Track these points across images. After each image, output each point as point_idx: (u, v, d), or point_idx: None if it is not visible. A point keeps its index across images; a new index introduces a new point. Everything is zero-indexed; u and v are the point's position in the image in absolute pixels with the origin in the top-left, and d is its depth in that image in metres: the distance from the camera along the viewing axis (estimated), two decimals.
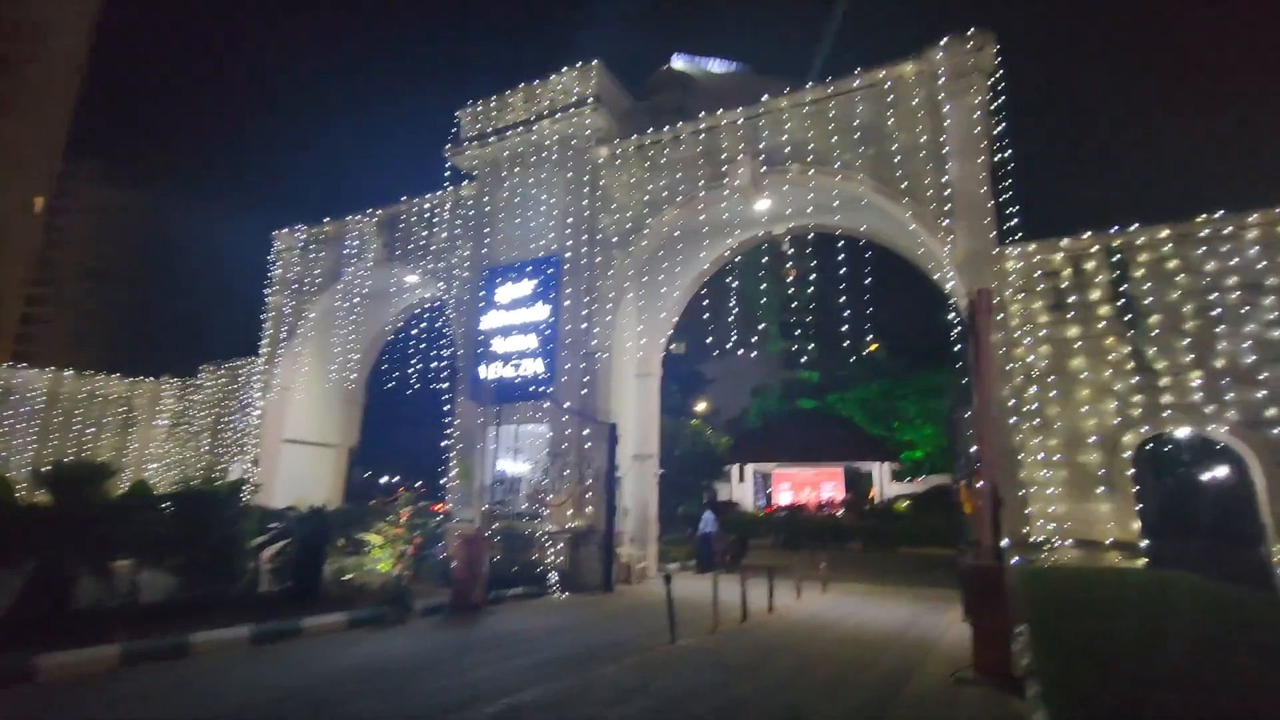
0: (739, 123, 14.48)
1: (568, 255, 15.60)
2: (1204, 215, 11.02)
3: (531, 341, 15.54)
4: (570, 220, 15.78)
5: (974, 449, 9.71)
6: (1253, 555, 10.22)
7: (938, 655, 8.28)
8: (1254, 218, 10.72)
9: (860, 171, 12.94)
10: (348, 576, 11.46)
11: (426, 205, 18.75)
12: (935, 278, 13.16)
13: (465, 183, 18.10)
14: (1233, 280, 10.71)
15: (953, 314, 12.42)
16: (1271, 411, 10.12)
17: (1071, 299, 11.68)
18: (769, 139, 14.11)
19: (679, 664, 7.52)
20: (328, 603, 10.10)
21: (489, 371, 15.96)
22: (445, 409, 17.09)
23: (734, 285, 18.00)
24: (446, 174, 18.26)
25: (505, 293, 16.24)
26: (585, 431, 14.42)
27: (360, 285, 19.93)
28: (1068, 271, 11.83)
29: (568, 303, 15.32)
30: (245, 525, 9.92)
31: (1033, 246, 11.96)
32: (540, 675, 6.94)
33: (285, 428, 20.09)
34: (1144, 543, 10.48)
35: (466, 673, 6.98)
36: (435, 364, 19.25)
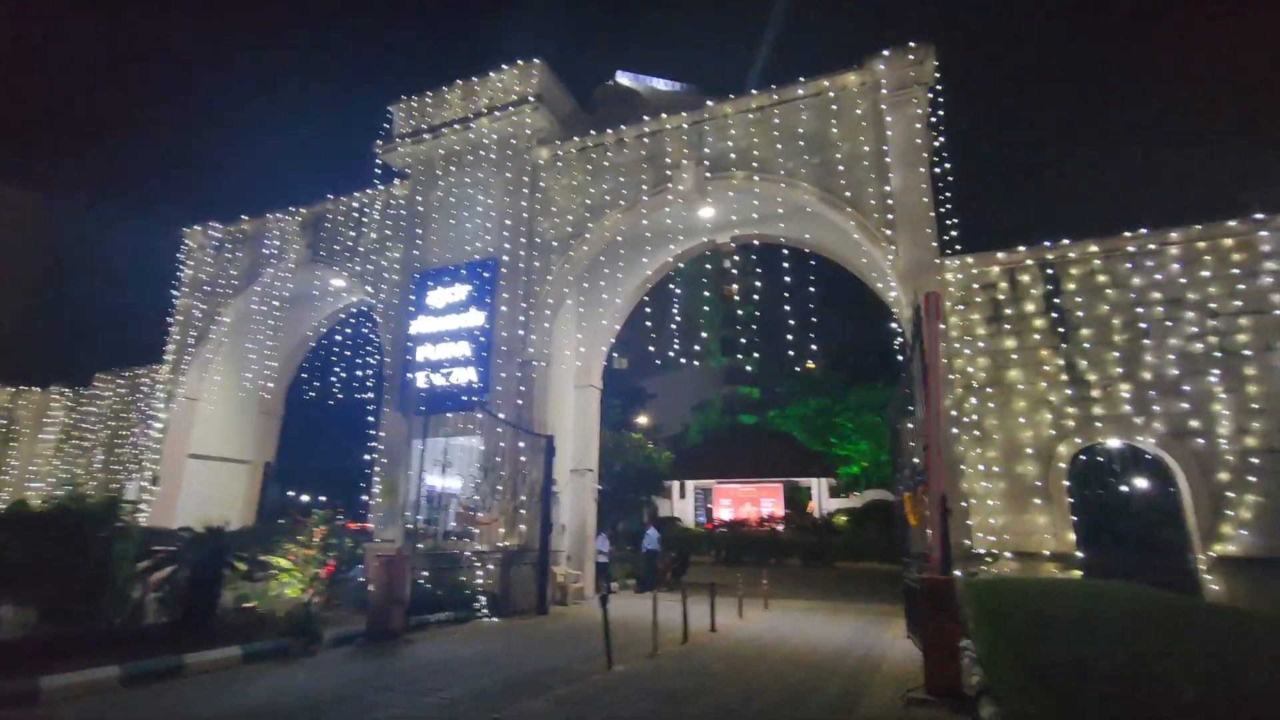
0: (683, 127, 14.21)
1: (505, 259, 14.90)
2: (1129, 232, 11.33)
3: (464, 349, 14.72)
4: (508, 223, 15.11)
5: (917, 459, 9.53)
6: (1178, 563, 10.40)
7: (885, 674, 7.94)
8: (1175, 235, 11.07)
9: (804, 180, 12.82)
10: (250, 604, 10.31)
11: (355, 204, 17.70)
12: (878, 287, 13.14)
13: (397, 181, 17.19)
14: (1157, 295, 11.00)
15: (894, 324, 12.38)
16: (1194, 423, 10.37)
17: (1008, 311, 11.80)
18: (713, 145, 13.89)
19: (613, 694, 6.89)
20: (222, 635, 8.98)
21: (418, 380, 15.01)
22: (371, 421, 16.01)
23: (677, 295, 17.68)
24: (377, 172, 17.35)
25: (438, 297, 15.37)
26: (520, 444, 13.67)
27: (280, 288, 18.60)
28: (1004, 284, 11.97)
29: (504, 308, 14.60)
30: (123, 548, 8.72)
31: (970, 259, 12.06)
32: (456, 713, 6.19)
33: (191, 442, 18.43)
34: (1078, 554, 10.54)
35: (370, 713, 6.15)
36: (361, 373, 18.10)
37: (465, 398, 14.29)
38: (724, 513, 40.95)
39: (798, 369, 56.03)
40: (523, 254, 14.85)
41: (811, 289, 15.92)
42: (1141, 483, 11.17)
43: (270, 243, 18.59)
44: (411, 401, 14.80)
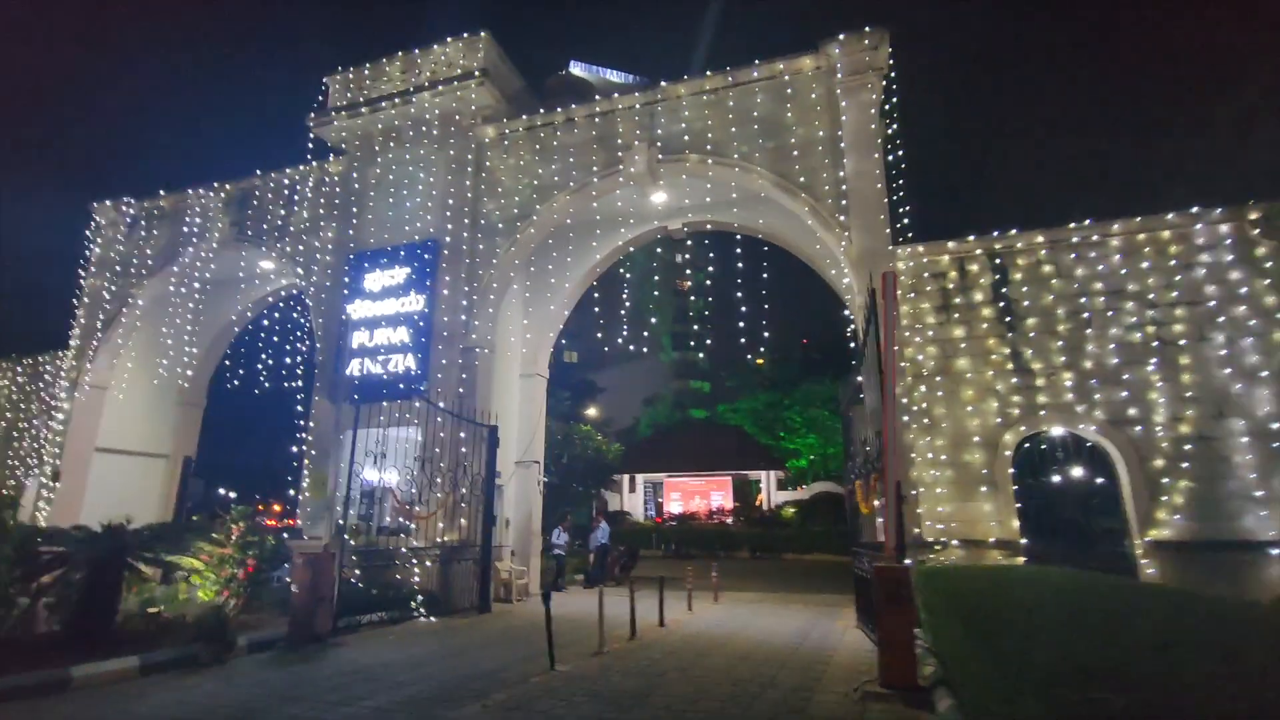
0: (635, 108, 13.76)
1: (447, 240, 14.16)
2: (1074, 223, 11.48)
3: (403, 334, 13.92)
4: (451, 203, 14.36)
5: (869, 446, 9.38)
6: (1115, 549, 10.61)
7: (838, 667, 7.73)
8: (1116, 226, 11.27)
9: (758, 164, 12.56)
10: (156, 609, 9.40)
11: (285, 181, 16.58)
12: (831, 274, 13.00)
13: (332, 157, 16.17)
14: (1099, 286, 11.18)
15: (846, 312, 12.26)
16: (1132, 410, 10.57)
17: (957, 300, 11.81)
18: (666, 127, 13.49)
19: (554, 697, 6.42)
20: (121, 643, 8.11)
21: (353, 368, 14.14)
22: (301, 411, 15.03)
23: (627, 283, 17.26)
24: (310, 147, 16.27)
25: (375, 280, 14.50)
26: (461, 434, 13.00)
27: (202, 269, 17.30)
28: (954, 274, 11.99)
29: (445, 292, 13.87)
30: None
31: (921, 248, 12.03)
32: None
33: (99, 434, 16.97)
34: (1023, 541, 10.62)
35: None
36: (291, 360, 17.02)
37: (403, 386, 13.51)
38: (674, 506, 40.86)
39: (749, 357, 56.76)
40: (466, 236, 14.15)
41: (763, 279, 15.77)
42: (1082, 471, 11.32)
43: (191, 220, 17.26)
44: (345, 390, 13.93)
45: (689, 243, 16.71)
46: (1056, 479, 11.24)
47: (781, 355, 55.66)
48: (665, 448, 43.43)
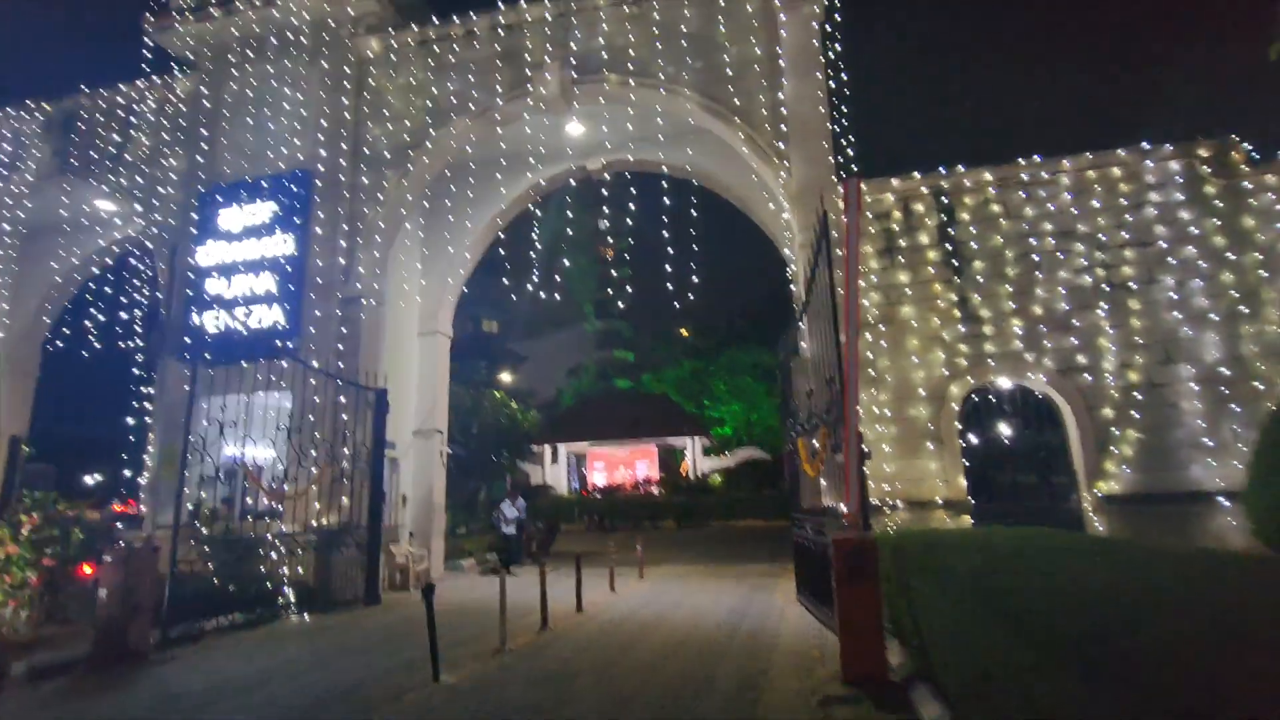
0: (546, 19, 11.88)
1: (321, 170, 11.92)
2: (1023, 159, 10.64)
3: (268, 282, 11.67)
4: (325, 125, 12.09)
5: (817, 399, 8.19)
6: (1062, 504, 10.03)
7: (785, 654, 6.54)
8: (1066, 163, 10.51)
9: (687, 86, 11.04)
10: None
11: (120, 100, 13.68)
12: (769, 209, 11.70)
13: (178, 71, 13.41)
14: (1049, 226, 10.42)
15: (787, 250, 11.04)
16: (1081, 358, 9.92)
17: (902, 243, 10.83)
18: (582, 43, 11.71)
19: None
20: None
21: (207, 322, 11.78)
22: (148, 377, 12.52)
23: (547, 243, 15.47)
24: (149, 58, 13.41)
25: (233, 219, 12.10)
26: (341, 399, 11.01)
27: (14, 207, 14.17)
28: (898, 214, 10.98)
29: (320, 231, 11.69)
30: None
31: (864, 186, 10.90)
32: None
33: None
34: (969, 500, 9.85)
35: None
36: (141, 315, 14.29)
37: (271, 342, 11.31)
38: (598, 477, 39.64)
39: (682, 332, 55.93)
40: (345, 166, 11.95)
41: (692, 232, 14.39)
42: (1026, 424, 10.63)
43: (1, 148, 14.06)
44: (199, 350, 11.56)
45: (609, 190, 15.03)
46: (1002, 433, 10.53)
47: (707, 323, 55.26)
48: (589, 416, 42.00)
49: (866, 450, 5.86)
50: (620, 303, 65.58)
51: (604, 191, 14.84)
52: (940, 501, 9.79)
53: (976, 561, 3.76)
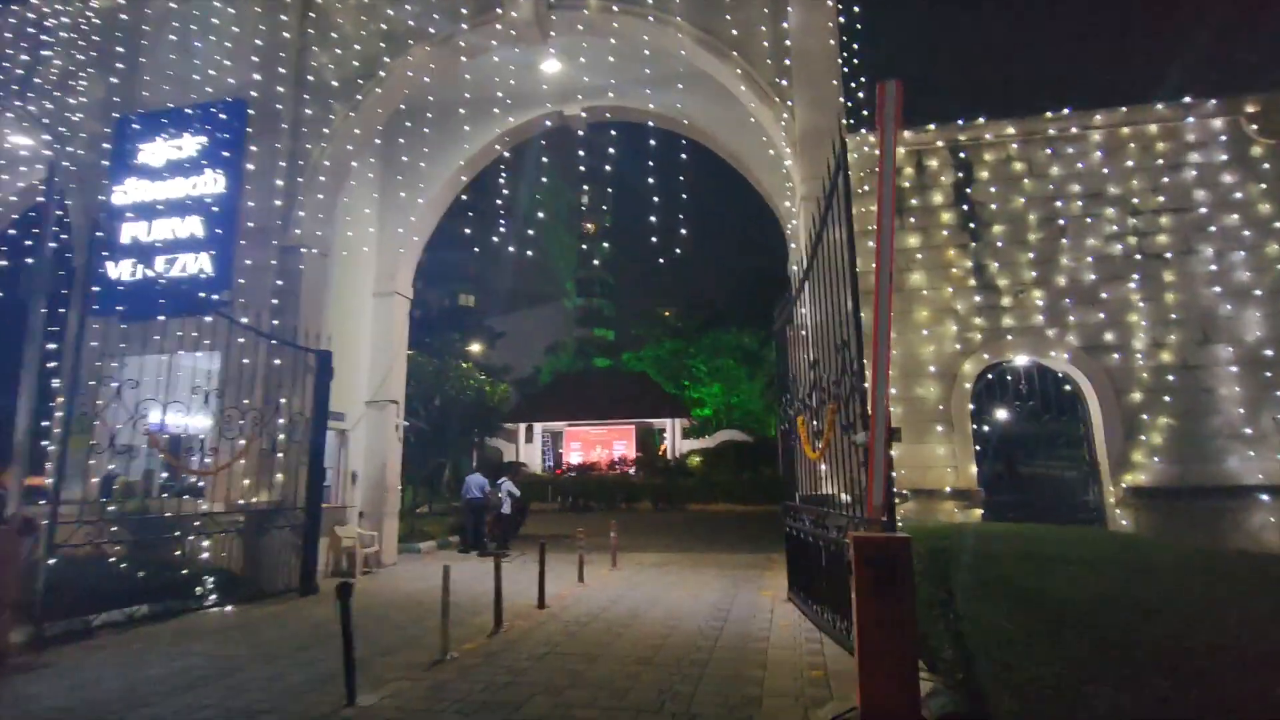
0: None
1: (258, 99, 10.42)
2: (1051, 113, 9.52)
3: (194, 226, 10.20)
4: (263, 49, 10.56)
5: (822, 373, 7.06)
6: (1081, 498, 9.08)
7: (779, 670, 5.47)
8: (1099, 118, 9.41)
9: (679, 15, 9.68)
10: None
11: (31, 15, 11.93)
12: (768, 156, 10.45)
13: None
14: (1077, 188, 9.35)
15: (788, 203, 9.85)
16: (1109, 336, 8.92)
17: (913, 202, 9.71)
18: None
19: None
20: None
21: (123, 271, 10.30)
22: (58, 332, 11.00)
23: (524, 211, 14.07)
24: None
25: (156, 153, 10.58)
26: (277, 362, 9.65)
27: None
28: (909, 170, 9.84)
29: (255, 169, 10.21)
30: None
31: (873, 138, 9.70)
32: None
33: None
34: (980, 490, 8.86)
35: None
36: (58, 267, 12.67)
37: (194, 296, 9.88)
38: (574, 456, 38.52)
39: (658, 301, 54.71)
40: (286, 96, 10.48)
41: (678, 192, 13.19)
42: (1045, 407, 9.62)
43: None
44: (111, 302, 10.09)
45: (588, 143, 13.65)
46: (1017, 418, 9.52)
47: (689, 303, 54.16)
48: (566, 395, 40.78)
49: (895, 429, 4.73)
50: (597, 259, 63.93)
51: (581, 143, 13.46)
52: (949, 491, 8.79)
53: (1078, 582, 2.64)
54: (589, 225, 66.29)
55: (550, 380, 47.56)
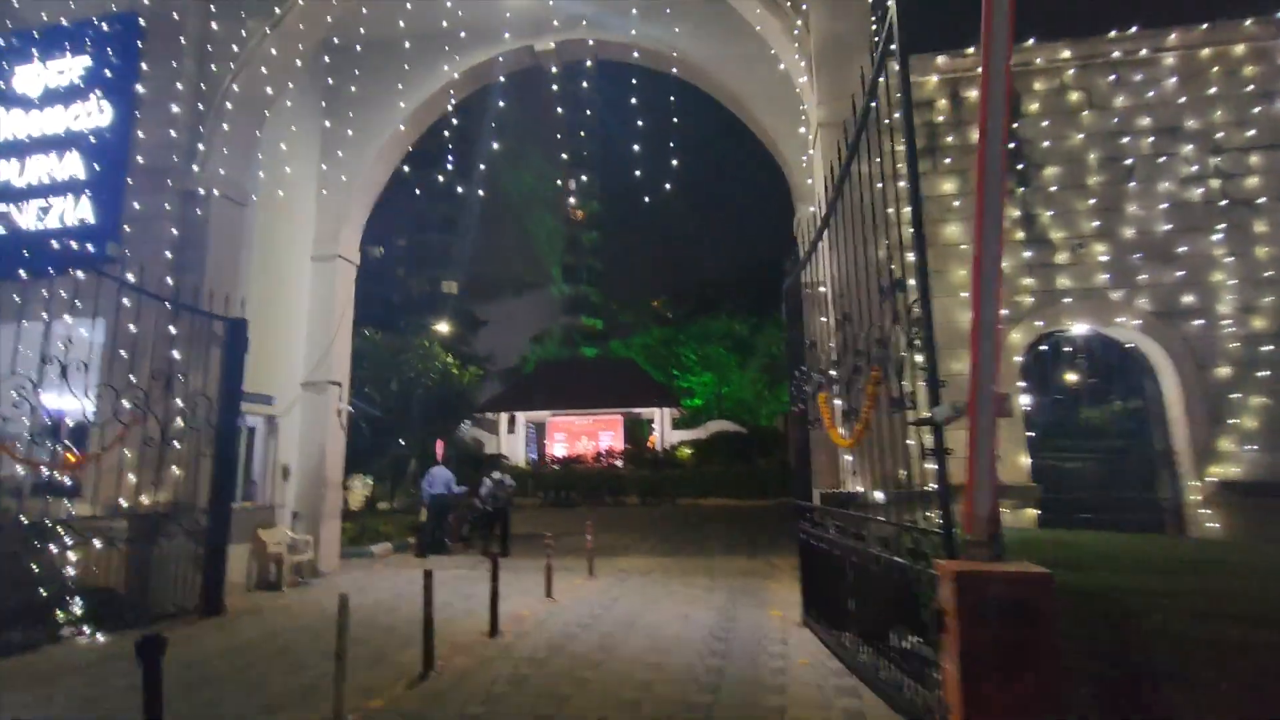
0: None
1: (152, 10, 8.56)
2: (1116, 31, 7.91)
3: (74, 165, 8.37)
4: None
5: (850, 332, 5.41)
6: (1150, 495, 7.52)
7: None
8: (1173, 37, 7.84)
9: None
10: None
11: None
12: (779, 70, 8.72)
13: None
14: (1147, 121, 7.78)
15: (803, 130, 8.19)
16: (1188, 299, 7.36)
17: (949, 140, 8.11)
18: None
19: None
20: None
21: None
22: None
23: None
24: None
25: (29, 79, 8.72)
26: (174, 330, 7.87)
27: None
28: (943, 103, 8.23)
29: (145, 91, 8.38)
30: None
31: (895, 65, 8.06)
32: None
33: None
34: (1034, 484, 7.30)
35: None
36: None
37: (73, 248, 8.06)
38: (558, 448, 36.76)
39: (655, 303, 53.17)
40: (188, 8, 8.60)
41: (665, 141, 11.53)
42: (1109, 385, 8.03)
43: None
44: None
45: (562, 85, 11.89)
46: (1072, 397, 7.93)
47: (678, 289, 52.66)
48: (550, 384, 38.97)
49: (1004, 399, 3.10)
50: (583, 237, 62.02)
51: (557, 90, 11.70)
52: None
53: None
54: (577, 210, 64.26)
55: (534, 368, 45.77)
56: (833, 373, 6.07)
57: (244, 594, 8.92)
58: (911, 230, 4.04)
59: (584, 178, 62.17)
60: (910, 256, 4.21)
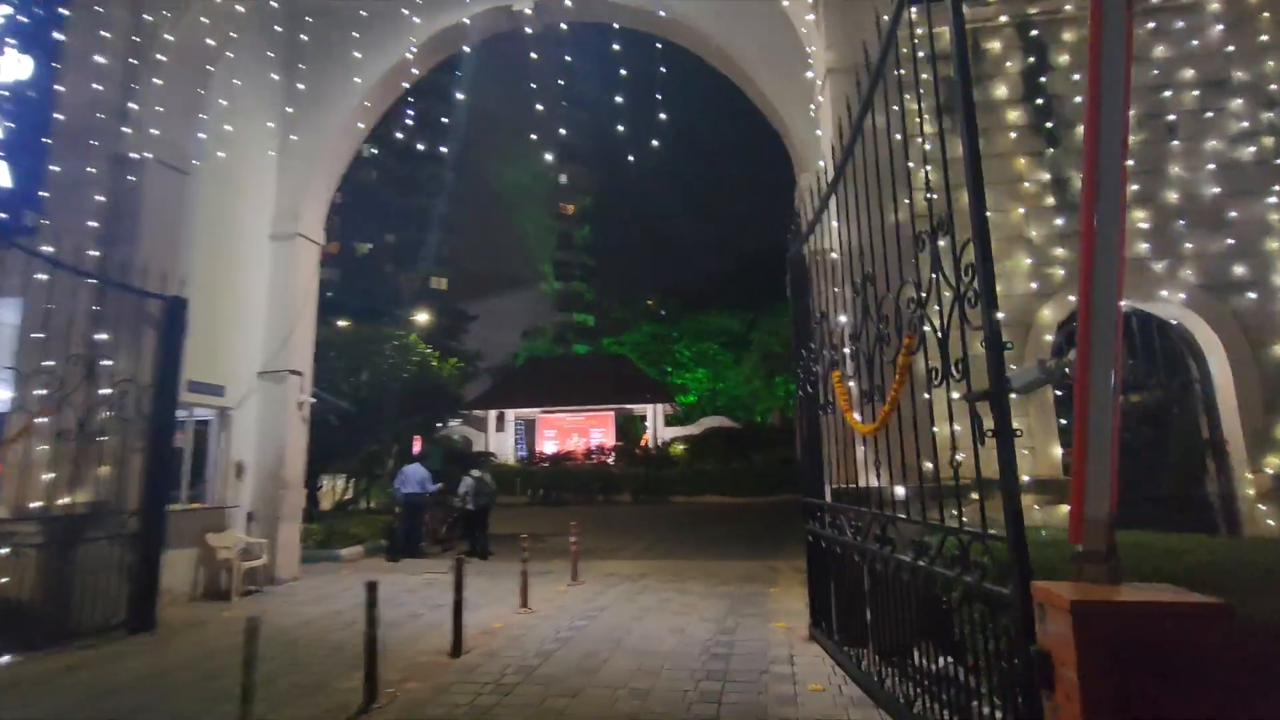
0: None
1: None
2: None
3: None
4: None
5: (871, 295, 4.58)
6: (1197, 491, 6.75)
7: None
8: None
9: None
10: None
11: None
12: (776, 31, 7.88)
13: None
14: (1191, 73, 6.99)
15: (811, 74, 7.36)
16: (1241, 270, 6.57)
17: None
18: None
19: None
20: None
21: None
22: None
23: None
24: None
25: None
26: (97, 307, 6.97)
27: None
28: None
29: (77, 47, 7.47)
30: None
31: (914, 12, 7.24)
32: None
33: None
34: (1066, 478, 6.46)
35: None
36: None
37: None
38: (549, 446, 35.87)
39: (648, 303, 52.37)
40: None
41: (655, 108, 10.76)
42: (1149, 366, 7.25)
43: None
44: None
45: (541, 50, 11.02)
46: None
47: (670, 284, 51.90)
48: (540, 380, 38.14)
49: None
50: (573, 231, 61.08)
51: (535, 55, 10.84)
52: (1026, 480, 6.38)
53: None
54: (567, 206, 63.32)
55: (524, 365, 44.87)
56: (847, 350, 5.24)
57: (187, 605, 8.03)
58: (965, 155, 3.18)
59: (573, 165, 61.13)
60: (959, 199, 3.37)
